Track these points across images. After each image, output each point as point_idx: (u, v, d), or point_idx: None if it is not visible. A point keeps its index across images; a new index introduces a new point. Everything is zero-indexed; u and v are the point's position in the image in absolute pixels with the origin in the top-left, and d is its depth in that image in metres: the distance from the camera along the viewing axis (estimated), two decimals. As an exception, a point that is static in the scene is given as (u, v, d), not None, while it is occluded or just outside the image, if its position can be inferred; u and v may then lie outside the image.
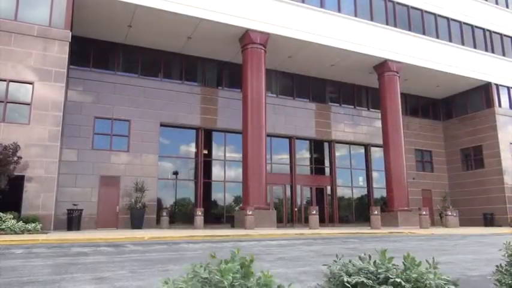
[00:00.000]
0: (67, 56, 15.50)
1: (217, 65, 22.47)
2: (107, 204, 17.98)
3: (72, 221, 16.09)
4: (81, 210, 16.61)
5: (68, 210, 16.35)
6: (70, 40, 15.69)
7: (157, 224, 18.63)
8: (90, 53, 19.41)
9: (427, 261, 1.99)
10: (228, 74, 22.83)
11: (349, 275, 1.92)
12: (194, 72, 22.20)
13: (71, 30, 16.10)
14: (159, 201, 19.67)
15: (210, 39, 19.83)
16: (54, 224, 14.55)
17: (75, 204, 16.61)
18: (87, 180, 17.84)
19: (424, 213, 19.88)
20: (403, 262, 1.95)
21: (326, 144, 24.99)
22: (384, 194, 24.05)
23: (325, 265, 2.08)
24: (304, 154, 24.93)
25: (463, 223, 24.09)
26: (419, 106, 28.73)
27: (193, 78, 22.10)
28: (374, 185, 25.50)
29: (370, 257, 2.07)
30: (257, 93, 18.72)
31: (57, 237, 10.54)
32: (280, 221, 21.70)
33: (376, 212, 18.67)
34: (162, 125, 20.06)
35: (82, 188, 17.71)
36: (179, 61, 21.42)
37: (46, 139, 14.50)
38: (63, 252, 7.40)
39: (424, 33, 24.21)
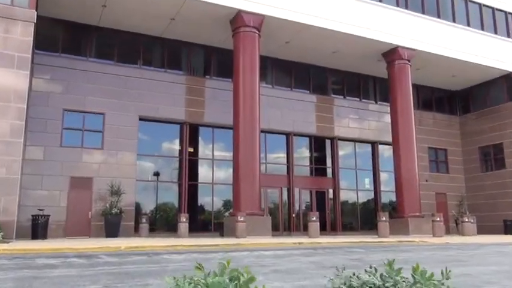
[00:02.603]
0: (32, 39, 15.35)
1: (204, 51, 22.38)
2: (78, 210, 17.87)
3: (38, 228, 15.96)
4: (48, 216, 16.48)
5: (32, 216, 16.21)
6: (35, 21, 15.53)
7: (136, 232, 18.57)
8: (58, 36, 19.23)
9: (442, 272, 2.01)
10: (217, 62, 22.75)
11: (353, 290, 1.93)
12: (178, 59, 22.08)
13: (37, 10, 15.93)
14: (137, 206, 19.59)
15: (196, 22, 19.75)
16: (16, 231, 14.43)
17: (41, 209, 16.48)
18: (55, 181, 17.71)
19: (437, 219, 20.04)
20: (412, 274, 1.97)
21: (328, 142, 25.07)
22: (393, 198, 24.19)
23: (327, 278, 2.09)
24: (303, 153, 24.96)
25: (482, 231, 24.33)
26: (434, 99, 28.92)
27: (177, 65, 21.98)
28: (382, 188, 25.65)
29: (376, 269, 2.09)
30: (250, 84, 18.69)
31: (20, 247, 10.47)
32: (276, 229, 21.72)
33: (384, 219, 18.78)
34: (141, 118, 19.97)
35: (49, 191, 17.58)
36: (161, 46, 21.31)
37: (7, 135, 14.36)
38: (26, 264, 7.35)
39: (439, 17, 24.34)
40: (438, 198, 26.83)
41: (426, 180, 26.22)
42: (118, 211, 17.81)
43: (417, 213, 21.60)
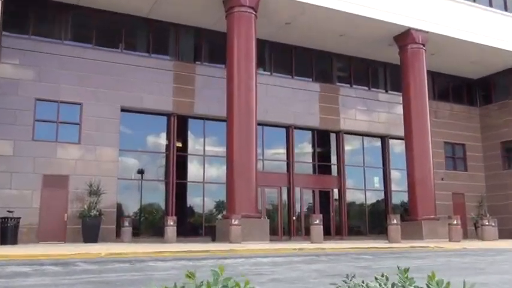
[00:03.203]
0: (-1, 20, 15.25)
1: (194, 34, 22.30)
2: (52, 212, 17.84)
3: (7, 232, 15.93)
4: (19, 218, 16.45)
5: (1, 218, 16.18)
6: (3, -1, 15.41)
7: (117, 236, 18.57)
8: (29, 15, 19.10)
9: (464, 282, 2.02)
10: (208, 46, 22.68)
11: (361, 300, 1.94)
12: (165, 42, 22.00)
13: (5, -14, 15.81)
14: (119, 207, 19.59)
15: (186, 0, 19.66)
16: (-17, 236, 14.39)
17: (10, 211, 16.43)
18: (26, 180, 17.66)
19: (454, 222, 20.13)
20: (427, 284, 1.98)
21: (333, 136, 25.10)
22: (405, 199, 24.28)
23: (333, 286, 2.10)
24: (305, 148, 24.98)
25: (503, 235, 24.46)
26: (451, 88, 28.97)
27: (164, 50, 21.90)
28: (393, 188, 25.74)
29: (386, 277, 2.09)
30: (246, 70, 18.65)
31: (-12, 254, 10.44)
32: (275, 233, 21.77)
33: (395, 221, 18.85)
34: (123, 109, 19.92)
35: (19, 191, 17.53)
36: (145, 28, 21.22)
37: (-28, 127, 14.29)
38: (-5, 273, 7.34)
39: (457, -4, 24.33)
40: (455, 198, 26.96)
41: (442, 179, 26.33)
42: (97, 213, 17.80)
43: (432, 216, 21.70)
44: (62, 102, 18.87)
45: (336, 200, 24.47)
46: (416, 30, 22.69)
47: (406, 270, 1.98)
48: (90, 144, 18.98)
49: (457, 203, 26.84)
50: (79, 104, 19.12)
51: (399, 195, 25.68)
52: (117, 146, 19.49)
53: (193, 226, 21.62)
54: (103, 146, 19.16)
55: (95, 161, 18.89)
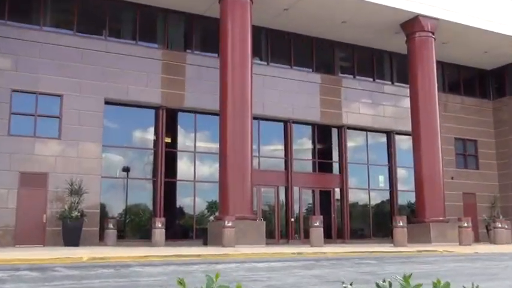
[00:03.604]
0: (-28, 4, 15.15)
1: (185, 20, 22.24)
2: (30, 212, 17.79)
3: (-19, 235, 15.86)
4: (-6, 220, 16.41)
5: (-26, 220, 16.13)
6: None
7: (101, 239, 18.56)
8: (5, -1, 19.01)
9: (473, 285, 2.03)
10: (200, 33, 22.62)
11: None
12: (153, 29, 21.92)
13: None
14: (103, 208, 19.56)
15: (175, -17, 19.61)
16: (-45, 239, 14.36)
17: (-15, 212, 16.39)
18: (1, 178, 17.57)
19: (465, 224, 20.23)
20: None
21: (335, 131, 25.13)
22: (412, 199, 24.36)
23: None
24: (304, 144, 24.99)
25: (517, 238, 24.60)
26: (462, 79, 29.02)
27: (152, 37, 21.84)
28: (399, 187, 25.81)
29: (390, 284, 2.10)
30: (241, 60, 18.62)
31: (-40, 258, 10.42)
32: (271, 236, 21.80)
33: (401, 224, 18.92)
34: (107, 102, 19.86)
35: (-5, 190, 17.51)
36: (132, 13, 21.12)
37: None
38: (-32, 279, 7.32)
39: (469, -20, 24.35)
40: (466, 199, 27.06)
41: (452, 178, 26.41)
42: (79, 214, 17.77)
43: (441, 218, 21.78)
44: (40, 93, 18.78)
45: (337, 200, 24.51)
46: (425, 17, 22.69)
47: (409, 276, 1.99)
48: (72, 140, 18.91)
49: (468, 204, 26.94)
50: (59, 95, 19.04)
51: (406, 195, 25.75)
52: (100, 142, 19.43)
53: (183, 228, 21.62)
54: (85, 142, 19.10)
55: (76, 158, 18.83)
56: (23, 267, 9.22)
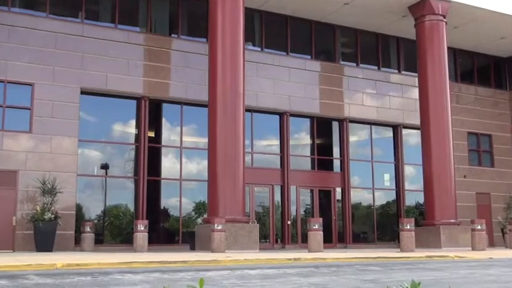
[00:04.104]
0: None
1: (170, 1, 22.15)
2: (-2, 215, 17.75)
3: None
4: (-42, 223, 16.33)
5: None
6: None
7: (77, 244, 18.53)
8: (-31, -23, 18.85)
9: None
10: (187, 15, 22.53)
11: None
12: (134, 11, 21.82)
13: None
14: (79, 209, 19.52)
15: (159, -40, 19.53)
16: None
17: None
18: (-34, 176, 17.55)
19: (478, 227, 20.31)
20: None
21: (336, 125, 25.16)
22: (421, 200, 24.46)
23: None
24: (302, 139, 25.00)
25: (536, 243, 24.76)
26: (475, 68, 29.09)
27: (133, 20, 21.74)
28: (406, 186, 25.90)
29: (396, 293, 2.10)
30: (232, 46, 18.58)
31: None
32: (265, 240, 21.84)
33: (408, 227, 18.98)
34: (84, 92, 19.79)
35: (-42, 189, 17.44)
36: (111, -7, 21.05)
37: None
38: None
39: (484, -42, 24.38)
40: (480, 199, 27.18)
41: (464, 176, 26.52)
42: (53, 216, 17.72)
43: (452, 220, 21.87)
44: (9, 82, 18.68)
45: (338, 201, 24.56)
46: (436, -2, 22.73)
47: (417, 285, 1.98)
48: (44, 134, 18.83)
49: (482, 205, 27.08)
50: (30, 84, 18.95)
51: (414, 195, 25.84)
52: (76, 136, 19.35)
53: (168, 232, 21.58)
54: (59, 136, 19.02)
55: (49, 154, 18.76)
56: (-11, 275, 9.17)
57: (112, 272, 10.01)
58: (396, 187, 25.93)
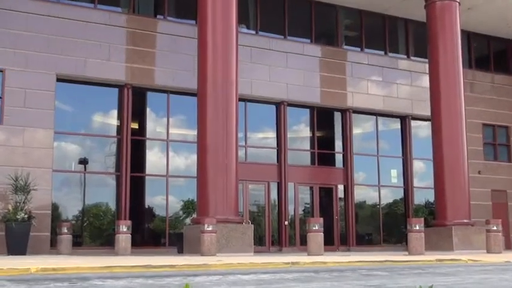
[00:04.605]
0: None
1: (155, -22, 22.12)
2: (-34, 214, 17.73)
3: None
4: None
5: None
6: None
7: (53, 247, 18.53)
8: None
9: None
10: (173, -6, 22.50)
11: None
12: (116, -11, 21.77)
13: None
14: (55, 208, 19.52)
15: None
16: None
17: None
18: None
19: (494, 228, 20.39)
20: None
21: (338, 116, 25.18)
22: (431, 198, 24.53)
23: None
24: (301, 131, 25.02)
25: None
26: (491, 53, 29.11)
27: (115, -1, 21.70)
28: (415, 183, 25.97)
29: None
30: (224, 28, 18.54)
31: None
32: (261, 243, 21.89)
33: (417, 227, 19.03)
34: (60, 79, 19.74)
35: None
36: (90, -30, 20.98)
37: None
38: None
39: None
40: (495, 197, 27.27)
41: (479, 172, 26.60)
42: (26, 216, 17.69)
43: (465, 220, 21.95)
44: (-23, 68, 18.67)
45: (340, 199, 24.62)
46: (448, -24, 22.75)
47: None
48: (16, 125, 18.77)
49: (498, 204, 27.17)
50: (0, 71, 18.89)
51: (423, 193, 25.92)
52: (51, 128, 19.31)
53: (153, 233, 21.60)
54: (33, 128, 18.99)
55: (22, 148, 18.72)
56: (-44, 281, 9.18)
57: (91, 277, 10.03)
58: (404, 184, 26.00)
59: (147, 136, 21.87)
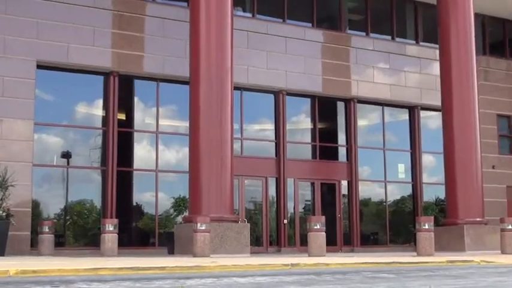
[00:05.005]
0: None
1: (143, -43, 22.07)
2: None
3: None
4: None
5: None
6: None
7: (34, 247, 18.55)
8: None
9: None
10: (163, -26, 22.46)
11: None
12: (101, -32, 21.73)
13: None
14: (36, 206, 19.53)
15: None
16: None
17: None
18: None
19: (509, 227, 20.45)
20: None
21: (341, 106, 25.19)
22: (441, 195, 24.55)
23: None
24: (301, 123, 25.03)
25: None
26: (506, 38, 29.12)
27: (99, -21, 21.66)
28: (424, 179, 26.01)
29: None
30: (218, 11, 18.50)
31: None
32: (258, 243, 21.93)
33: (426, 226, 19.07)
34: (40, 66, 19.70)
35: None
36: None
37: None
38: None
39: None
40: (511, 194, 27.33)
41: (493, 167, 26.64)
42: (4, 214, 17.71)
43: (478, 218, 21.99)
44: (-50, 54, 18.64)
45: (344, 196, 24.67)
46: (461, -45, 22.73)
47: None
48: (-7, 116, 18.80)
49: (513, 201, 27.27)
50: (-24, 57, 18.90)
51: (433, 189, 25.94)
52: (31, 119, 19.30)
53: (142, 233, 21.62)
54: (11, 119, 18.95)
55: (-1, 140, 18.75)
56: None
57: (75, 280, 10.04)
58: (412, 180, 26.06)
59: (135, 128, 21.86)
